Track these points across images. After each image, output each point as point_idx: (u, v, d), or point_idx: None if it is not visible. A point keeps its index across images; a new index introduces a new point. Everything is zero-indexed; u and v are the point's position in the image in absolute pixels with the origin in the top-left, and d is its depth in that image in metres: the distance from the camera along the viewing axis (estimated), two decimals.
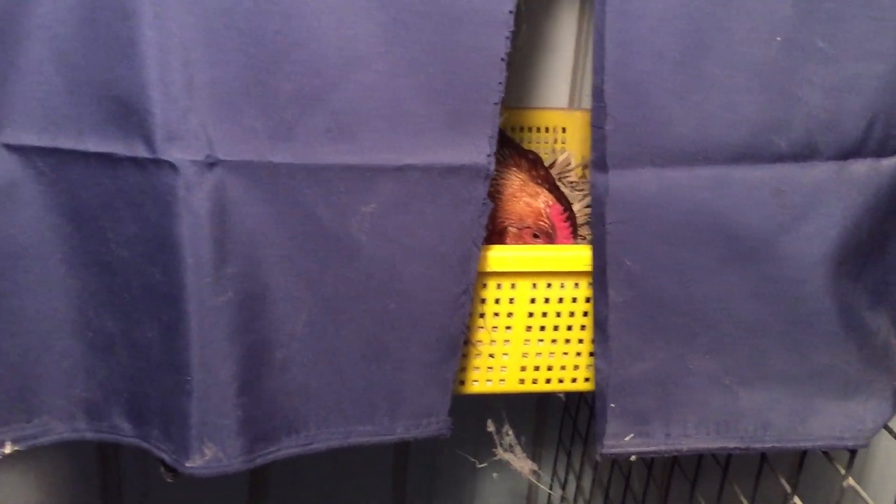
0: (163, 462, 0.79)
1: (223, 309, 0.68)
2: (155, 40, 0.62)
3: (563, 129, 1.31)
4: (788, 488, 0.90)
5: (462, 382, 0.85)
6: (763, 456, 0.91)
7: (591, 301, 0.79)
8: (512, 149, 1.05)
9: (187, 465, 0.71)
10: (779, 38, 0.69)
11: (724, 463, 0.98)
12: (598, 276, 0.75)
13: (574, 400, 1.35)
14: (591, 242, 0.75)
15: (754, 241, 0.73)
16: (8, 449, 0.74)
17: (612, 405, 0.78)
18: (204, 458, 0.71)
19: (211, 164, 0.65)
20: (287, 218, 0.69)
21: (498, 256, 0.79)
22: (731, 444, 0.79)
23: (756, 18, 0.68)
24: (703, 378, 0.77)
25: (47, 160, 0.67)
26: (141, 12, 0.62)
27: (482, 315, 0.82)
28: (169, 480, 0.82)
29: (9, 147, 0.67)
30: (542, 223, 0.89)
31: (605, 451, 0.79)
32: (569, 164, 1.29)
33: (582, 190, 1.21)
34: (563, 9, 1.28)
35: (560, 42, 1.29)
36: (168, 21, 0.62)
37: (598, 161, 0.72)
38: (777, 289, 0.74)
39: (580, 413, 1.33)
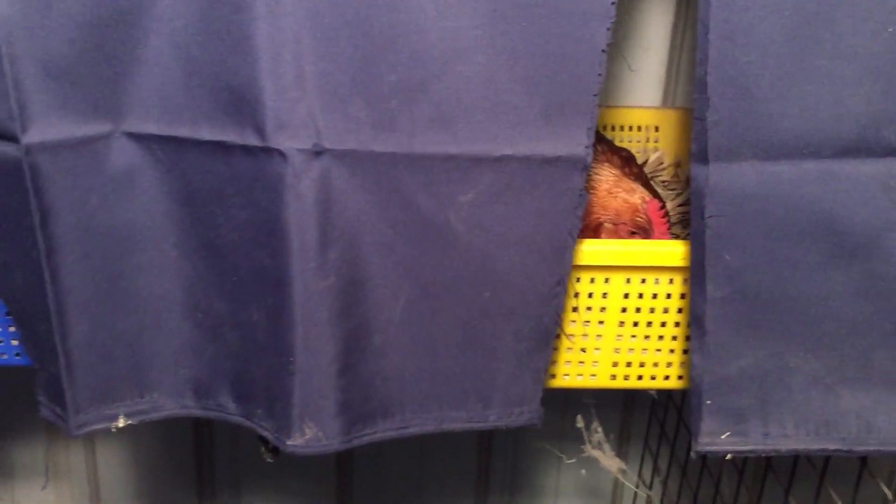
0: (263, 441, 0.82)
1: (326, 293, 0.71)
2: (268, 34, 0.65)
3: (656, 128, 1.30)
4: (890, 495, 0.87)
5: (552, 375, 0.86)
6: (863, 460, 0.88)
7: (688, 296, 0.78)
8: (605, 145, 1.05)
9: (289, 443, 0.74)
10: (890, 30, 0.67)
11: (822, 467, 0.95)
12: (696, 270, 0.75)
13: (661, 400, 1.33)
14: (689, 236, 0.75)
15: (861, 237, 0.71)
16: (121, 422, 0.79)
17: (708, 402, 0.77)
18: (304, 438, 0.73)
19: (318, 152, 0.68)
20: (387, 206, 0.71)
21: (592, 250, 0.79)
22: (833, 446, 0.77)
23: (865, 9, 0.67)
24: (804, 377, 0.76)
25: (164, 148, 0.71)
26: (255, 6, 0.64)
27: (575, 309, 0.83)
28: (268, 460, 0.85)
29: (130, 135, 0.71)
30: (638, 219, 0.89)
31: (699, 448, 0.78)
32: (661, 163, 1.27)
33: (674, 189, 1.19)
34: (657, 5, 1.27)
35: (654, 39, 1.28)
36: (281, 15, 0.65)
37: (699, 153, 0.71)
38: (884, 287, 0.72)
39: (668, 413, 1.31)
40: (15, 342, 0.87)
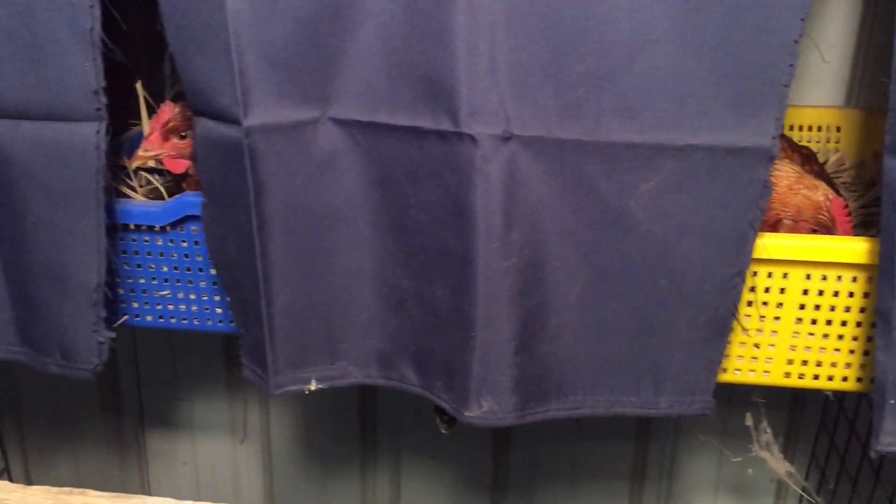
0: (440, 412, 0.87)
1: (507, 273, 0.74)
2: (465, 26, 0.69)
3: (838, 129, 1.25)
4: None
5: (724, 369, 0.85)
6: None
7: (873, 294, 0.76)
8: (784, 141, 1.03)
9: (466, 414, 0.78)
10: None
11: None
12: (886, 265, 0.73)
13: (833, 403, 1.28)
14: (879, 230, 0.73)
15: None
16: (313, 385, 0.86)
17: (893, 401, 0.75)
18: (481, 410, 0.77)
19: (506, 138, 0.71)
20: (570, 191, 0.73)
21: (774, 243, 0.78)
22: None
23: None
24: None
25: (364, 133, 0.77)
26: (456, 1, 0.69)
27: (750, 303, 0.82)
28: (443, 430, 0.89)
29: (335, 121, 0.77)
30: (821, 217, 0.87)
31: (880, 448, 0.76)
32: (842, 164, 1.23)
33: (856, 191, 1.15)
34: (842, 4, 1.23)
35: (838, 35, 1.24)
36: (478, 9, 0.69)
37: (893, 145, 0.70)
38: None
39: (839, 418, 1.26)
40: (219, 310, 0.96)
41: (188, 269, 0.95)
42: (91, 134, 0.79)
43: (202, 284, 0.96)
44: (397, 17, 0.72)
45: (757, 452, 1.01)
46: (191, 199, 0.91)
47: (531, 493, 1.49)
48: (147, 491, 1.69)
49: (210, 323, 0.99)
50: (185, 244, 0.94)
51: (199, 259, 0.95)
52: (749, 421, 0.99)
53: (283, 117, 0.76)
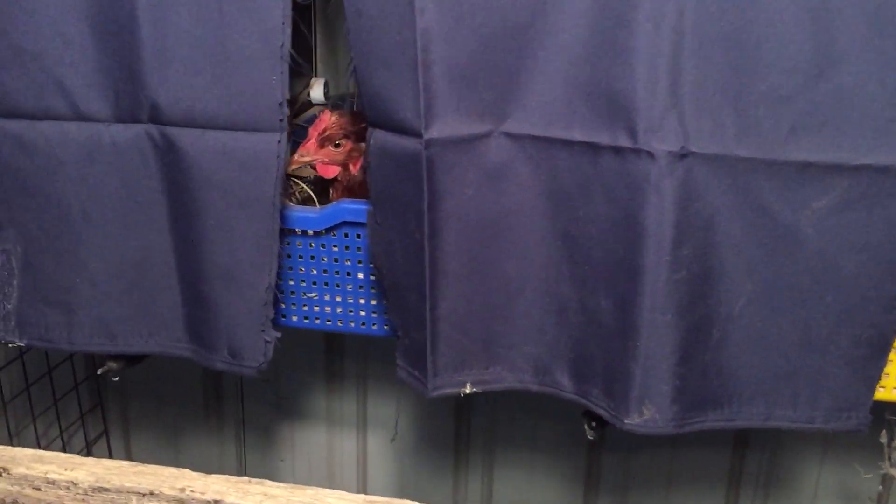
0: (590, 418, 0.89)
1: (676, 285, 0.76)
2: (648, 46, 0.72)
3: None
4: None
5: (882, 387, 0.86)
6: None
7: None
8: None
9: (626, 422, 0.80)
10: None
11: None
12: None
13: None
14: None
15: None
16: (468, 389, 0.88)
17: None
18: (642, 418, 0.80)
19: (683, 155, 0.74)
20: (741, 208, 0.75)
21: None
22: None
23: None
24: None
25: (537, 147, 0.80)
26: (640, 22, 0.72)
27: None
28: (590, 437, 0.92)
29: (507, 135, 0.80)
30: None
31: None
32: None
33: None
34: None
35: None
36: (663, 30, 0.71)
37: None
38: None
39: None
40: (363, 313, 1.00)
41: (336, 273, 0.99)
42: (273, 143, 0.83)
43: (349, 288, 1.00)
44: (579, 37, 0.75)
45: (888, 470, 1.01)
46: (347, 206, 0.94)
47: (623, 496, 1.50)
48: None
49: (353, 325, 1.02)
50: (335, 248, 0.98)
51: (348, 263, 0.98)
52: (883, 438, 0.99)
53: (459, 130, 0.79)
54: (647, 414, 0.80)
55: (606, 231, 0.79)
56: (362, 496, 0.78)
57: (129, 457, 1.72)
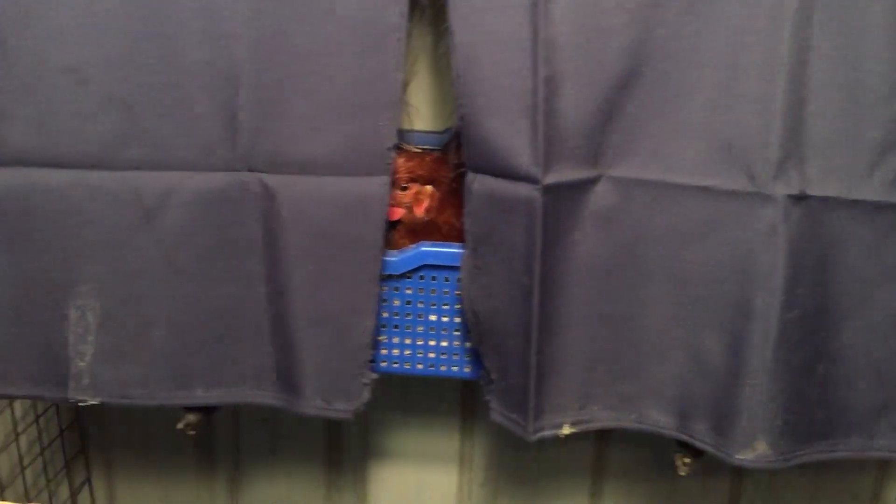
0: (683, 452, 0.90)
1: (789, 325, 0.79)
2: (766, 93, 0.74)
3: None
4: None
5: None
6: None
7: None
8: None
9: (737, 457, 0.82)
10: None
11: None
12: None
13: None
14: None
15: None
16: (566, 430, 0.89)
17: None
18: (755, 453, 0.81)
19: (801, 198, 0.76)
20: (855, 247, 0.79)
21: None
22: None
23: None
24: None
25: (643, 190, 0.81)
26: (757, 67, 0.74)
27: None
28: (682, 473, 0.93)
29: (613, 179, 0.82)
30: None
31: None
32: None
33: None
34: None
35: None
36: (780, 77, 0.74)
37: None
38: None
39: None
40: (432, 354, 0.99)
41: (408, 315, 0.98)
42: (381, 187, 0.83)
43: (419, 329, 0.99)
44: (699, 84, 0.77)
45: None
46: (429, 250, 0.94)
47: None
48: None
49: (421, 367, 1.01)
50: (409, 291, 0.97)
51: (421, 306, 0.98)
52: None
53: (572, 176, 0.80)
54: (760, 449, 0.81)
55: (717, 272, 0.81)
56: None
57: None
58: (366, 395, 0.91)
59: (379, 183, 0.83)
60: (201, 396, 0.92)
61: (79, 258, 0.86)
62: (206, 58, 0.81)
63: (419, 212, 1.01)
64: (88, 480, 1.58)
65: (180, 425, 0.96)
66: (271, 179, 0.84)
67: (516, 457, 1.46)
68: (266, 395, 0.92)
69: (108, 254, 0.86)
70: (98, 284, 0.87)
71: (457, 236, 0.94)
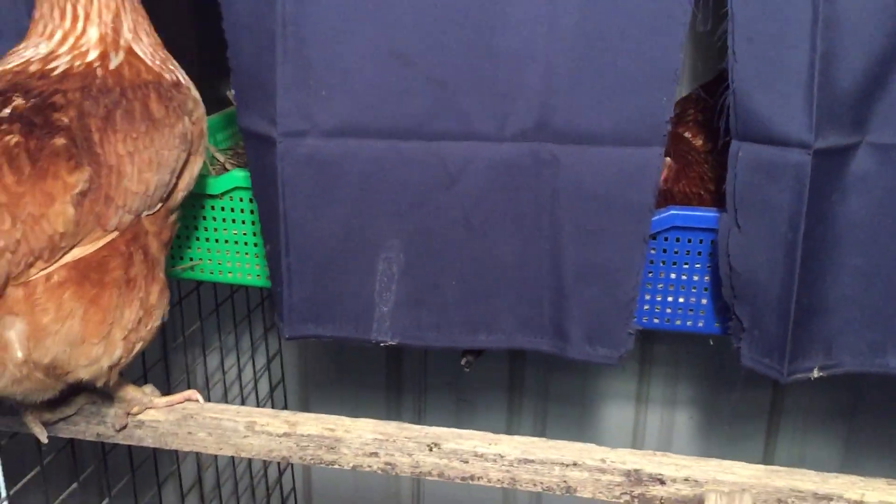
0: None
1: None
2: None
3: None
4: None
5: None
6: None
7: None
8: None
9: None
10: None
11: None
12: None
13: None
14: None
15: None
16: (815, 374, 0.99)
17: None
18: None
19: None
20: None
21: None
22: None
23: None
24: None
25: None
26: None
27: None
28: None
29: (872, 144, 0.92)
30: None
31: None
32: None
33: None
34: None
35: None
36: None
37: None
38: None
39: None
40: (703, 312, 1.10)
41: (650, 274, 1.10)
42: (657, 156, 0.95)
43: (659, 287, 1.11)
44: None
45: None
46: (678, 213, 1.05)
47: None
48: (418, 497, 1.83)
49: (690, 324, 1.12)
50: (653, 251, 1.09)
51: (663, 265, 1.09)
52: None
53: (836, 142, 0.91)
54: None
55: None
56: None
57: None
58: (630, 344, 1.02)
59: (656, 153, 0.95)
60: (483, 341, 1.06)
61: (390, 216, 1.01)
62: (512, 45, 0.94)
63: (659, 182, 1.13)
64: (282, 381, 1.83)
65: (463, 361, 1.10)
66: (560, 149, 0.97)
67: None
68: (539, 342, 1.05)
69: (414, 213, 1.01)
70: (404, 240, 1.02)
71: (690, 203, 1.05)
